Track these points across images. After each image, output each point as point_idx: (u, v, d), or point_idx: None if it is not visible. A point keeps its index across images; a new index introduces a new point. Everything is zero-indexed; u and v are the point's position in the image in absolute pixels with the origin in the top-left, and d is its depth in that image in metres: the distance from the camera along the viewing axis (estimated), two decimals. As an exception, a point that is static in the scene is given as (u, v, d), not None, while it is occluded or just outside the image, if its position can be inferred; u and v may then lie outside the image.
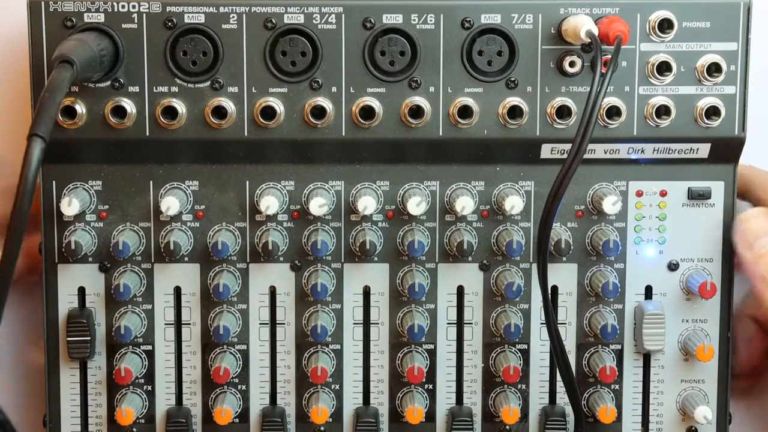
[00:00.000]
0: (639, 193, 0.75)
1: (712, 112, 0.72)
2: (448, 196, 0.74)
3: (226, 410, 0.74)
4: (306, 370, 0.75)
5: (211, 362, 0.75)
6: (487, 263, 0.75)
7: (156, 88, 0.71)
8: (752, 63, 0.72)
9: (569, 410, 0.76)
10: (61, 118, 0.70)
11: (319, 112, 0.71)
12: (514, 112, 0.72)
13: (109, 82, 0.71)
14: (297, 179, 0.74)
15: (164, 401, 0.76)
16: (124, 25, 0.70)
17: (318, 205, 0.73)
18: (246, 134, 0.72)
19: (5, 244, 0.52)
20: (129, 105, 0.71)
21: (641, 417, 0.77)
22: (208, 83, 0.71)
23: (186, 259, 0.74)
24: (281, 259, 0.75)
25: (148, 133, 0.71)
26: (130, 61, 0.70)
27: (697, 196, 0.75)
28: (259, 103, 0.71)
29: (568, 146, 0.67)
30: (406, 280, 0.74)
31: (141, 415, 0.76)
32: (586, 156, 0.68)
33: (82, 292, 0.75)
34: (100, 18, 0.70)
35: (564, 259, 0.75)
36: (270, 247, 0.73)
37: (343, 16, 0.71)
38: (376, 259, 0.75)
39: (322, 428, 0.76)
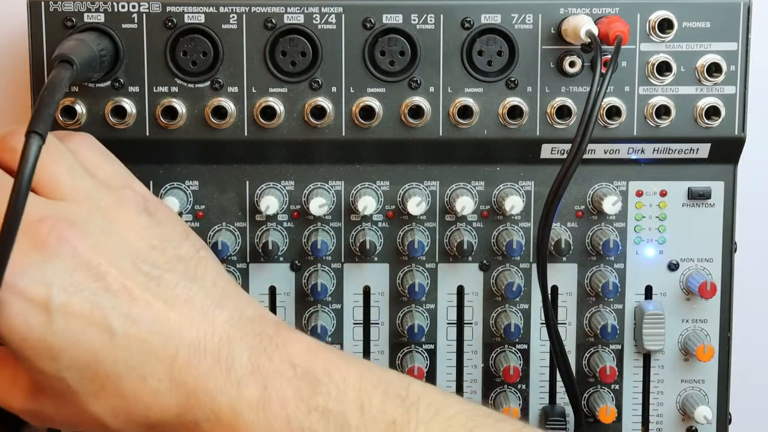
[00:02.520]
0: (639, 193, 0.75)
1: (712, 112, 0.72)
2: (448, 196, 0.74)
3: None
4: (306, 370, 0.75)
5: (211, 362, 0.75)
6: (487, 263, 0.75)
7: (156, 88, 0.71)
8: (752, 63, 0.72)
9: (569, 410, 0.76)
10: (61, 118, 0.70)
11: (319, 112, 0.71)
12: (514, 112, 0.72)
13: (109, 82, 0.71)
14: (297, 179, 0.74)
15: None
16: (124, 25, 0.70)
17: (318, 205, 0.73)
18: (246, 134, 0.72)
19: (0, 243, 0.52)
20: (129, 105, 0.71)
21: (641, 417, 0.77)
22: (208, 83, 0.71)
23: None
24: (281, 259, 0.75)
25: (148, 133, 0.71)
26: (130, 61, 0.70)
27: (697, 196, 0.75)
28: (259, 103, 0.71)
29: (568, 146, 0.67)
30: (406, 280, 0.74)
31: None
32: (586, 156, 0.68)
33: (82, 292, 0.75)
34: (100, 18, 0.70)
35: (564, 259, 0.75)
36: (270, 247, 0.73)
37: (343, 16, 0.71)
38: (376, 259, 0.75)
39: (322, 428, 0.76)
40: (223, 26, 0.70)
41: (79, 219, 0.55)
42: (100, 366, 0.53)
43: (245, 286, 0.75)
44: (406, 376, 0.58)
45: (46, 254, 0.53)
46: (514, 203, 0.73)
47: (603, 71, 0.67)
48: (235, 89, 0.71)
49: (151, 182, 0.74)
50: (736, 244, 0.75)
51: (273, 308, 0.75)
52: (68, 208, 0.56)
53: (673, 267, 0.75)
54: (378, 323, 0.76)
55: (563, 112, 0.72)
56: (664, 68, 0.72)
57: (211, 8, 0.70)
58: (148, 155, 0.73)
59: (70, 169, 0.58)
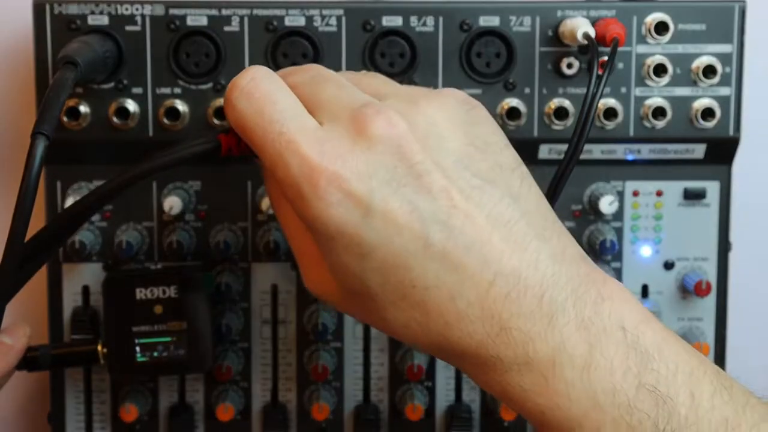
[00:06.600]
0: (635, 193, 0.76)
1: (708, 113, 0.73)
2: (447, 196, 0.75)
3: (228, 407, 0.75)
4: (307, 367, 0.76)
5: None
6: (485, 262, 0.76)
7: (159, 90, 0.72)
8: (747, 65, 0.73)
9: (567, 407, 0.76)
10: (65, 119, 0.71)
11: (319, 113, 0.72)
12: (513, 113, 0.73)
13: (112, 84, 0.71)
14: (298, 179, 0.75)
15: (167, 399, 0.77)
16: (127, 28, 0.71)
17: (319, 205, 0.73)
18: (248, 135, 0.72)
19: (7, 243, 0.53)
20: (132, 106, 0.71)
21: (638, 414, 0.78)
22: (211, 85, 0.72)
23: (189, 258, 0.75)
24: (282, 258, 0.75)
25: (151, 134, 0.72)
26: (134, 63, 0.71)
27: (693, 196, 0.75)
28: (260, 104, 0.72)
29: (565, 147, 0.68)
30: (406, 279, 0.75)
31: (145, 412, 0.76)
32: (583, 156, 0.69)
33: (86, 290, 0.75)
34: (104, 21, 0.70)
35: (561, 258, 0.75)
36: (272, 246, 0.74)
37: (344, 18, 0.71)
38: (376, 258, 0.75)
39: (323, 425, 0.77)
40: (225, 29, 0.71)
41: (404, 110, 0.50)
42: (408, 274, 0.48)
43: (247, 285, 0.75)
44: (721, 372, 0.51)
45: (371, 141, 0.48)
46: (512, 203, 0.74)
47: (600, 73, 0.67)
48: (237, 91, 0.72)
49: (154, 182, 0.74)
50: (730, 243, 0.76)
51: (275, 306, 0.76)
52: (392, 101, 0.51)
53: (668, 266, 0.76)
54: (378, 321, 0.76)
55: (561, 113, 0.73)
56: (660, 70, 0.72)
57: (213, 11, 0.71)
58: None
59: (381, 80, 0.57)
